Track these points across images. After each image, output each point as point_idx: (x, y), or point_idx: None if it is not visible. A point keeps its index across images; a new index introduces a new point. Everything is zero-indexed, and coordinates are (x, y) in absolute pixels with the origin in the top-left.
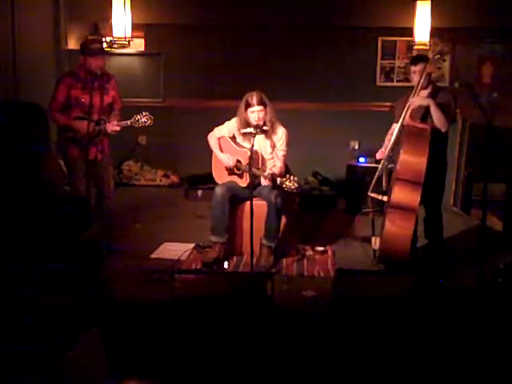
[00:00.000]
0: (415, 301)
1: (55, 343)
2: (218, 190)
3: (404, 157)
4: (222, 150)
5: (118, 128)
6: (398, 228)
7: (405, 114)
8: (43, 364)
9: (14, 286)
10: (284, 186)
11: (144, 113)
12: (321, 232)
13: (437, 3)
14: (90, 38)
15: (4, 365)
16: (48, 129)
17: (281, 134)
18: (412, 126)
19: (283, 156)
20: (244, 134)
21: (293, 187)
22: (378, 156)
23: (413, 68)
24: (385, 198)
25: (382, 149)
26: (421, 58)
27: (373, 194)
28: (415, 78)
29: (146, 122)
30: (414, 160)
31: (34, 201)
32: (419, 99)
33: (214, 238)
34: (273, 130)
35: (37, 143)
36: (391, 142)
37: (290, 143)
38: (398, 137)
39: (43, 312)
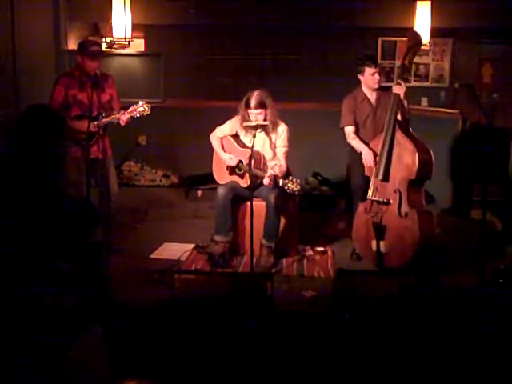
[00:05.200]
0: (415, 301)
1: (57, 342)
2: (221, 191)
3: (420, 156)
4: (224, 150)
5: (127, 115)
6: (426, 230)
7: (396, 111)
8: (44, 363)
9: (19, 284)
10: (286, 187)
11: (140, 102)
12: (321, 232)
13: (437, 3)
14: (89, 38)
15: (6, 363)
16: (64, 133)
17: (281, 130)
18: (405, 123)
19: (285, 153)
20: (246, 128)
21: (295, 189)
22: (369, 165)
23: (373, 70)
24: (392, 201)
25: (368, 158)
26: (376, 59)
27: (374, 197)
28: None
29: (143, 110)
30: (427, 157)
31: (41, 201)
32: (402, 88)
33: (218, 238)
34: (274, 129)
35: (55, 146)
36: (382, 142)
37: (290, 142)
38: (388, 134)
39: (47, 311)
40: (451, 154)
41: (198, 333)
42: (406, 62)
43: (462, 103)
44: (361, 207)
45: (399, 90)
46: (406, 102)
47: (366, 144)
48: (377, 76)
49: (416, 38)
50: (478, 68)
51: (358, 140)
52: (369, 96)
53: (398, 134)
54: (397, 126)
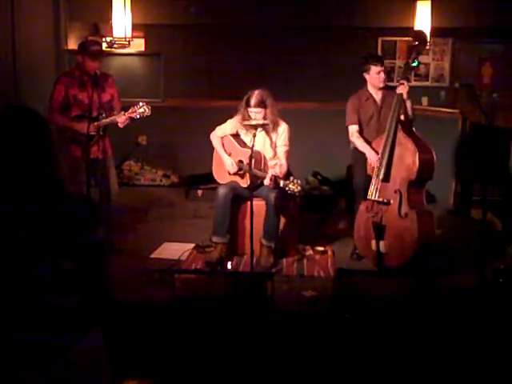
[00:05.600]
0: (415, 301)
1: (58, 343)
2: (221, 191)
3: (421, 157)
4: (225, 150)
5: (126, 117)
6: (425, 231)
7: (399, 111)
8: (44, 363)
9: (21, 284)
10: (287, 188)
11: (141, 103)
12: (321, 232)
13: (437, 3)
14: (90, 38)
15: (6, 363)
16: (48, 130)
17: (282, 130)
18: (409, 123)
19: (286, 152)
20: (246, 128)
21: (296, 190)
22: (374, 165)
23: (379, 68)
24: (394, 201)
25: (373, 158)
26: (381, 57)
27: (375, 197)
28: (380, 79)
29: (143, 111)
30: (428, 157)
31: (41, 201)
32: (405, 88)
33: (215, 239)
34: (274, 128)
35: (36, 146)
36: (383, 143)
37: (291, 141)
38: (390, 135)
39: (48, 311)
40: (451, 153)
41: (198, 333)
42: (411, 61)
43: (462, 103)
44: (362, 206)
45: (402, 89)
46: (409, 102)
47: (369, 143)
48: (382, 74)
49: (421, 37)
50: (477, 68)
51: (361, 140)
52: (374, 95)
53: (400, 135)
54: (399, 127)
